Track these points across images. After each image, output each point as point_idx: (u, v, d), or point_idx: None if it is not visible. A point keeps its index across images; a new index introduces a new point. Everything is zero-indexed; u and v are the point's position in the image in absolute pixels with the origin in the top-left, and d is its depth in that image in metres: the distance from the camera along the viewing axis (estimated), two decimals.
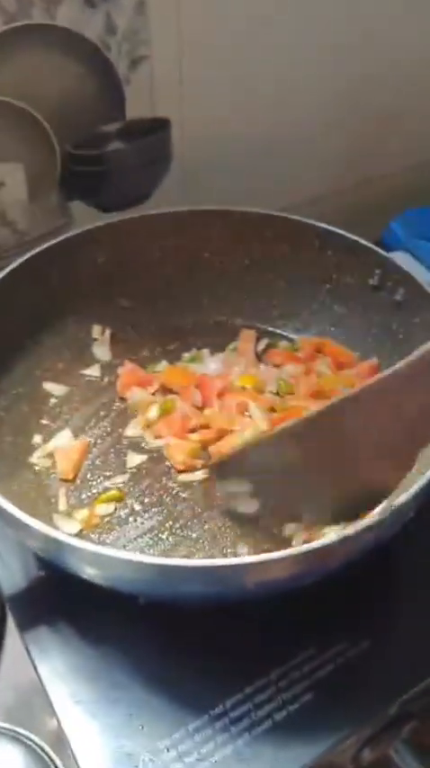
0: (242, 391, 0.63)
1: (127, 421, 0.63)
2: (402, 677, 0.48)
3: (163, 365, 0.68)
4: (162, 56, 0.76)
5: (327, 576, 0.46)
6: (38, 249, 0.63)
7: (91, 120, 0.71)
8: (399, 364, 0.42)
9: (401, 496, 0.44)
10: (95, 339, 0.70)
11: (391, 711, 0.47)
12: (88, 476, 0.59)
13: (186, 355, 0.69)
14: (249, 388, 0.64)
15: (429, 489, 0.46)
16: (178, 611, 0.50)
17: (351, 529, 0.43)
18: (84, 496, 0.58)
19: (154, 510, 0.57)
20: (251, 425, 0.60)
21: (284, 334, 0.72)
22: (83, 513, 0.56)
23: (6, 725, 0.50)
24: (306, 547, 0.41)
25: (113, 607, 0.49)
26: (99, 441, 0.62)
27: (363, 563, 0.46)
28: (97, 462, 0.60)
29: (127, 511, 0.57)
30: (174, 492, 0.58)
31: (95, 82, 0.70)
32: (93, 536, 0.55)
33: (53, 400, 0.65)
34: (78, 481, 0.59)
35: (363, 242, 0.66)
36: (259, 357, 0.69)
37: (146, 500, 0.57)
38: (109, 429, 0.63)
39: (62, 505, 0.57)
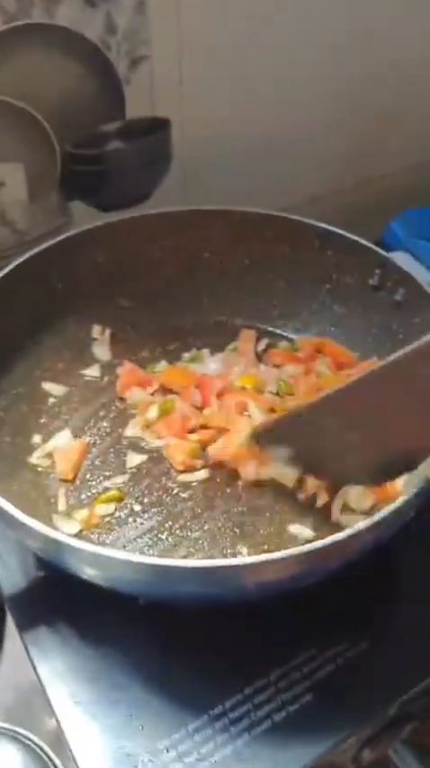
0: (242, 391, 0.63)
1: (126, 421, 0.63)
2: (402, 678, 0.48)
3: (162, 365, 0.68)
4: (162, 56, 0.76)
5: (327, 577, 0.46)
6: (38, 249, 0.63)
7: (91, 119, 0.71)
8: None
9: (401, 497, 0.44)
10: (95, 339, 0.70)
11: (391, 712, 0.47)
12: (88, 476, 0.59)
13: (186, 355, 0.69)
14: (249, 389, 0.64)
15: (427, 491, 0.46)
16: (178, 612, 0.50)
17: (351, 529, 0.43)
18: (83, 497, 0.58)
19: (153, 510, 0.57)
20: (250, 425, 0.60)
21: (284, 334, 0.72)
22: (82, 514, 0.56)
23: (6, 725, 0.50)
24: (306, 547, 0.41)
25: (113, 607, 0.49)
26: (98, 441, 0.62)
27: (363, 563, 0.46)
28: (97, 462, 0.60)
29: (126, 511, 0.56)
30: (173, 492, 0.58)
31: (95, 81, 0.70)
32: (92, 536, 0.55)
33: (52, 400, 0.65)
34: (78, 481, 0.59)
35: (363, 242, 0.66)
36: (259, 357, 0.69)
37: (145, 500, 0.57)
38: (108, 429, 0.63)
39: (62, 506, 0.57)
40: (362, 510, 0.55)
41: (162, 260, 0.71)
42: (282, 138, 0.88)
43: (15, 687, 0.52)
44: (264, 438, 0.56)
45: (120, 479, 0.59)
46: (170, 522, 0.56)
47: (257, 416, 0.60)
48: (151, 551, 0.54)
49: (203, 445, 0.60)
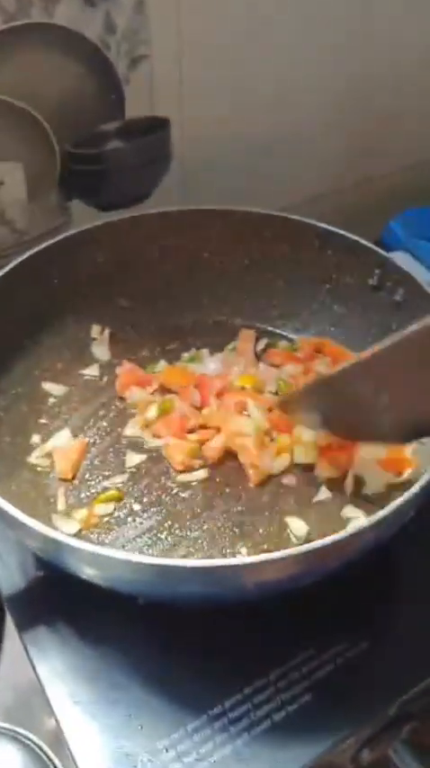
0: (241, 391, 0.63)
1: (126, 421, 0.63)
2: (401, 678, 0.48)
3: (162, 365, 0.68)
4: (162, 55, 0.76)
5: (327, 577, 0.46)
6: (37, 248, 0.63)
7: (90, 119, 0.71)
8: None
9: (400, 497, 0.44)
10: (94, 339, 0.70)
11: (391, 712, 0.47)
12: (87, 475, 0.59)
13: (185, 355, 0.69)
14: (248, 388, 0.64)
15: (428, 489, 0.46)
16: (177, 612, 0.50)
17: (350, 529, 0.43)
18: (83, 496, 0.58)
19: (153, 510, 0.56)
20: (249, 425, 0.60)
21: (284, 333, 0.72)
22: (82, 513, 0.56)
23: (5, 725, 0.50)
24: (305, 547, 0.41)
25: (112, 607, 0.49)
26: (98, 440, 0.62)
27: (363, 563, 0.46)
28: (96, 462, 0.60)
29: (126, 511, 0.56)
30: (173, 492, 0.58)
31: (95, 81, 0.70)
32: (91, 536, 0.55)
33: (52, 400, 0.65)
34: (77, 481, 0.59)
35: (363, 242, 0.66)
36: (258, 357, 0.69)
37: (145, 500, 0.57)
38: (108, 429, 0.63)
39: (61, 505, 0.57)
40: (375, 491, 0.56)
41: (161, 260, 0.71)
42: (281, 137, 0.88)
43: (15, 687, 0.52)
44: (292, 405, 0.57)
45: (119, 479, 0.59)
46: (169, 522, 0.56)
47: (257, 416, 0.60)
48: (150, 551, 0.53)
49: (202, 445, 0.60)
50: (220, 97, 0.82)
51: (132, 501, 0.57)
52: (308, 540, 0.53)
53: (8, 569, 0.54)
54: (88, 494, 0.58)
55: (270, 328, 0.72)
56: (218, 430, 0.60)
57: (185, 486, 0.58)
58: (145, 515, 0.56)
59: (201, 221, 0.70)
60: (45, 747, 0.49)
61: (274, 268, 0.71)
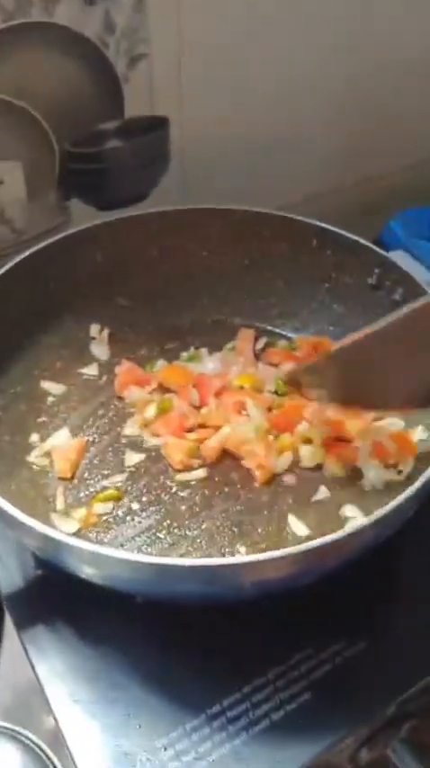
0: (240, 390, 0.63)
1: (125, 420, 0.63)
2: (400, 677, 0.48)
3: (161, 364, 0.68)
4: (161, 54, 0.75)
5: (326, 576, 0.46)
6: (36, 248, 0.63)
7: (89, 118, 0.71)
8: None
9: (399, 496, 0.44)
10: (93, 338, 0.70)
11: (389, 711, 0.47)
12: (86, 475, 0.59)
13: (184, 354, 0.69)
14: (247, 388, 0.64)
15: (427, 489, 0.46)
16: (176, 611, 0.50)
17: (349, 528, 0.43)
18: (82, 495, 0.58)
19: (152, 509, 0.56)
20: (248, 424, 0.60)
21: (283, 333, 0.72)
22: (81, 512, 0.56)
23: (5, 724, 0.50)
24: (304, 546, 0.41)
25: (111, 607, 0.49)
26: (97, 439, 0.62)
27: (361, 563, 0.46)
28: (95, 461, 0.60)
29: (125, 510, 0.56)
30: (172, 491, 0.58)
31: (94, 80, 0.70)
32: (90, 535, 0.55)
33: (51, 399, 0.65)
34: (76, 480, 0.59)
35: (362, 241, 0.66)
36: (257, 356, 0.69)
37: (144, 499, 0.57)
38: (107, 428, 0.63)
39: (60, 504, 0.57)
40: (375, 488, 0.57)
41: (160, 259, 0.71)
42: (281, 137, 0.88)
43: (14, 686, 0.52)
44: (302, 379, 0.58)
45: (118, 478, 0.59)
46: (168, 521, 0.56)
47: (255, 415, 0.60)
48: (149, 550, 0.53)
49: (201, 444, 0.60)
50: (220, 96, 0.82)
51: (131, 500, 0.57)
52: (307, 540, 0.53)
53: (7, 568, 0.54)
54: (87, 493, 0.58)
55: (269, 327, 0.72)
56: (216, 429, 0.60)
57: (184, 485, 0.58)
58: (144, 514, 0.56)
59: (200, 220, 0.70)
60: (44, 747, 0.49)
61: (274, 267, 0.71)
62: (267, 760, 0.44)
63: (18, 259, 0.62)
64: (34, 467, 0.59)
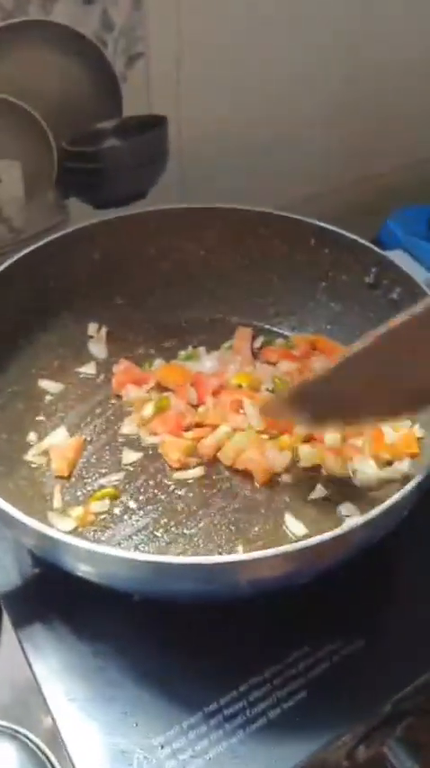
0: (237, 389, 0.63)
1: (122, 418, 0.63)
2: (397, 675, 0.48)
3: (158, 363, 0.68)
4: (159, 53, 0.75)
5: (322, 574, 0.46)
6: (34, 246, 0.63)
7: (87, 117, 0.71)
8: None
9: (395, 495, 0.44)
10: (91, 337, 0.70)
11: (386, 709, 0.47)
12: (83, 473, 0.59)
13: (182, 353, 0.69)
14: (245, 386, 0.64)
15: (422, 488, 0.46)
16: (173, 610, 0.50)
17: (344, 527, 0.43)
18: (79, 494, 0.58)
19: (149, 507, 0.57)
20: (245, 423, 0.60)
21: (281, 331, 0.72)
22: (78, 511, 0.56)
23: (2, 722, 0.50)
24: (300, 544, 0.41)
25: (108, 605, 0.49)
26: (94, 438, 0.62)
27: (358, 561, 0.46)
28: (92, 460, 0.60)
29: (122, 508, 0.56)
30: (169, 489, 0.58)
31: (92, 79, 0.70)
32: (88, 534, 0.55)
33: (48, 398, 0.65)
34: (73, 479, 0.59)
35: (360, 240, 0.66)
36: (255, 355, 0.69)
37: (141, 497, 0.57)
38: (104, 426, 0.63)
39: (57, 503, 0.57)
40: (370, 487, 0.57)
41: (158, 258, 0.71)
42: (279, 136, 0.88)
43: (12, 684, 0.52)
44: (280, 410, 0.57)
45: (115, 477, 0.59)
46: (165, 520, 0.56)
47: (252, 414, 0.60)
48: (146, 548, 0.54)
49: (198, 443, 0.60)
50: (219, 95, 0.82)
51: (128, 498, 0.57)
52: (304, 538, 0.53)
53: (4, 566, 0.54)
54: (84, 491, 0.58)
55: (267, 326, 0.72)
56: (214, 428, 0.60)
57: (181, 483, 0.58)
58: (141, 513, 0.56)
59: (198, 219, 0.70)
60: (42, 745, 0.49)
61: (271, 266, 0.71)
62: (264, 758, 0.44)
63: (16, 258, 0.62)
64: (31, 465, 0.59)
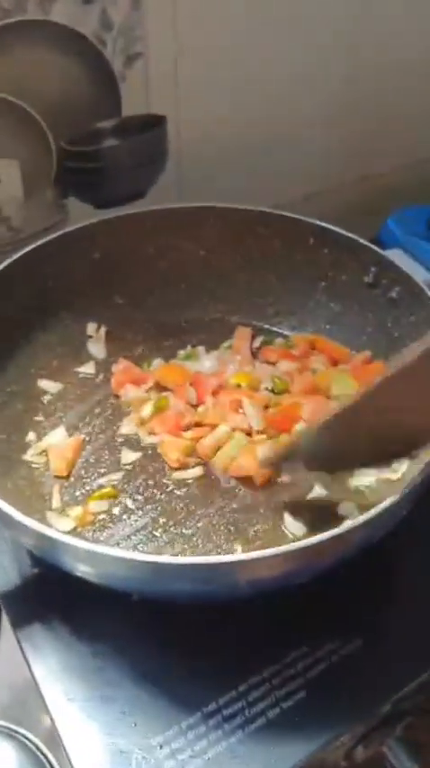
0: (237, 389, 0.63)
1: (121, 418, 0.63)
2: (396, 675, 0.48)
3: (158, 363, 0.68)
4: (158, 53, 0.75)
5: (321, 574, 0.46)
6: (33, 246, 0.63)
7: (86, 116, 0.71)
8: None
9: (393, 495, 0.44)
10: (90, 336, 0.70)
11: (385, 709, 0.47)
12: (82, 473, 0.59)
13: (181, 353, 0.69)
14: (244, 386, 0.64)
15: (421, 488, 0.46)
16: (172, 610, 0.50)
17: (343, 526, 0.43)
18: (78, 494, 0.58)
19: (148, 507, 0.56)
20: (245, 423, 0.60)
21: (280, 331, 0.72)
22: (77, 511, 0.56)
23: (1, 722, 0.50)
24: (299, 544, 0.41)
25: (107, 605, 0.49)
26: (93, 438, 0.62)
27: (357, 561, 0.46)
28: (91, 459, 0.60)
29: (121, 508, 0.56)
30: (168, 489, 0.58)
31: (91, 78, 0.70)
32: (86, 533, 0.55)
33: (47, 397, 0.65)
34: (72, 478, 0.59)
35: (359, 239, 0.66)
36: (255, 355, 0.69)
37: (140, 497, 0.57)
38: (103, 426, 0.63)
39: (56, 503, 0.57)
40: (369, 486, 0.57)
41: (157, 257, 0.71)
42: (278, 135, 0.88)
43: (11, 685, 0.52)
44: (279, 463, 0.56)
45: (114, 476, 0.59)
46: (164, 520, 0.56)
47: (252, 414, 0.60)
48: (145, 548, 0.53)
49: (197, 443, 0.60)
50: (218, 95, 0.82)
51: (127, 498, 0.57)
52: (302, 538, 0.53)
53: (3, 567, 0.54)
54: (83, 491, 0.58)
55: (266, 326, 0.72)
56: (213, 427, 0.60)
57: (180, 483, 0.58)
58: (140, 513, 0.56)
59: (198, 219, 0.70)
60: (41, 745, 0.49)
61: (270, 266, 0.71)
62: (263, 758, 0.44)
63: (15, 257, 0.62)
64: (30, 465, 0.59)
